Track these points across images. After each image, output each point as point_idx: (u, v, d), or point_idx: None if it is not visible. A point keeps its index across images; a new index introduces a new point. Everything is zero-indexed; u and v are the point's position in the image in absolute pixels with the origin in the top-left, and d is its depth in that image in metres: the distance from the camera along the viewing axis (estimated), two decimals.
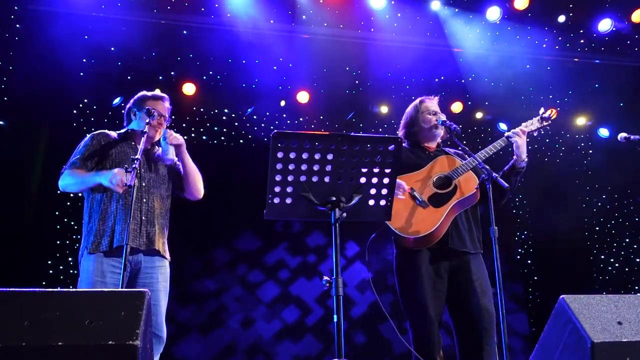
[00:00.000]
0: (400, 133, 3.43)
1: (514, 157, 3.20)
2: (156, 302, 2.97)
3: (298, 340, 5.90)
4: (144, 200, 3.06)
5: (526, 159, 3.19)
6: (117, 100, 5.63)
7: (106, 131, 3.24)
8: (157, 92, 3.34)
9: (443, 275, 3.05)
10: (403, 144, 3.35)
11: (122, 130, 3.29)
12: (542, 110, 3.38)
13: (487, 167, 2.88)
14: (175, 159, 3.16)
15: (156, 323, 2.94)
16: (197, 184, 3.23)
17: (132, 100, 3.32)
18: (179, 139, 3.11)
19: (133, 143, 3.21)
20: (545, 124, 3.35)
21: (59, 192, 5.46)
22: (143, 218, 3.02)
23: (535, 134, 3.36)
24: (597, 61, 5.81)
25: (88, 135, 3.19)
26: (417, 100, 3.42)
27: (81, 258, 3.01)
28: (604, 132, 6.36)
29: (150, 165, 3.19)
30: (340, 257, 2.05)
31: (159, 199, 3.15)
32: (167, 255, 3.14)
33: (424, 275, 3.01)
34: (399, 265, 3.14)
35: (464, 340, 3.02)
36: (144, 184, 3.09)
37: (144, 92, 3.32)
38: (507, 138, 3.22)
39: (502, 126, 6.46)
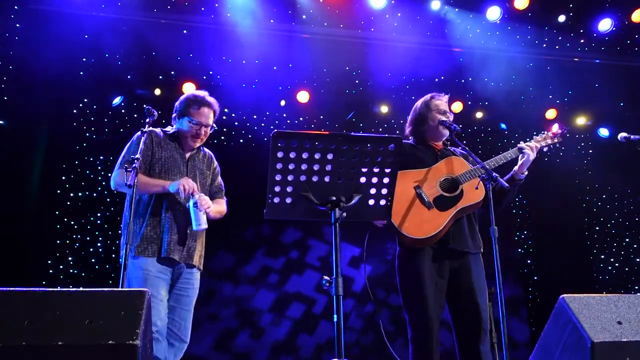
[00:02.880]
0: (407, 130, 3.39)
1: (515, 168, 3.17)
2: (188, 307, 3.02)
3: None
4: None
5: (526, 172, 3.16)
6: (117, 100, 5.63)
7: (156, 130, 3.13)
8: (204, 95, 3.18)
9: (444, 276, 3.05)
10: (408, 141, 3.35)
11: (170, 131, 3.19)
12: (555, 126, 3.40)
13: (487, 167, 2.88)
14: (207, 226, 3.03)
15: (184, 328, 2.97)
16: (219, 217, 3.23)
17: (179, 101, 3.21)
18: (209, 204, 3.01)
19: (182, 150, 3.16)
20: (556, 140, 3.36)
21: (58, 191, 5.53)
22: (187, 232, 2.98)
23: (545, 150, 3.35)
24: (597, 61, 5.81)
25: (139, 133, 3.02)
26: (428, 96, 3.35)
27: (129, 257, 2.91)
28: (604, 132, 6.36)
29: (195, 175, 3.14)
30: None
31: None
32: (201, 266, 3.15)
33: (426, 276, 3.00)
34: (401, 264, 3.13)
35: (463, 340, 3.04)
36: None
37: (191, 95, 3.19)
38: (519, 150, 3.18)
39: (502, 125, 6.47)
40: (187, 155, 3.18)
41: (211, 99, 3.19)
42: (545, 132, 3.37)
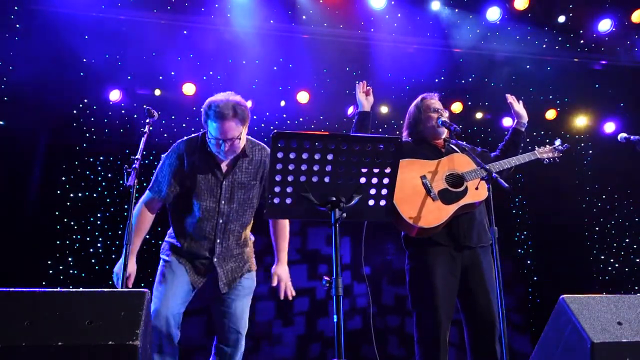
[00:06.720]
0: (404, 134, 3.43)
1: (514, 120, 3.45)
2: (244, 307, 3.06)
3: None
4: (218, 241, 2.84)
5: (525, 120, 3.48)
6: (116, 98, 5.62)
7: (189, 144, 2.75)
8: (221, 100, 2.62)
9: (456, 274, 3.09)
10: (408, 140, 3.38)
11: (202, 140, 2.75)
12: (558, 142, 3.48)
13: (487, 167, 2.89)
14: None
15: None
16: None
17: (204, 107, 2.69)
18: (290, 289, 3.13)
19: (217, 170, 2.78)
20: (556, 154, 3.47)
21: (58, 192, 5.52)
22: (215, 259, 2.84)
23: (545, 162, 3.46)
24: (597, 61, 5.81)
25: (170, 151, 2.77)
26: (419, 98, 3.44)
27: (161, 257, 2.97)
28: (609, 129, 6.26)
29: (233, 193, 2.82)
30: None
31: (238, 230, 2.91)
32: (253, 267, 3.11)
33: (438, 277, 3.03)
34: (411, 264, 3.18)
35: (474, 337, 3.07)
36: (220, 221, 2.81)
37: (206, 104, 2.65)
38: (532, 154, 3.42)
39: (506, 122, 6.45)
40: (225, 168, 2.80)
41: (230, 107, 2.59)
42: (548, 146, 3.48)
